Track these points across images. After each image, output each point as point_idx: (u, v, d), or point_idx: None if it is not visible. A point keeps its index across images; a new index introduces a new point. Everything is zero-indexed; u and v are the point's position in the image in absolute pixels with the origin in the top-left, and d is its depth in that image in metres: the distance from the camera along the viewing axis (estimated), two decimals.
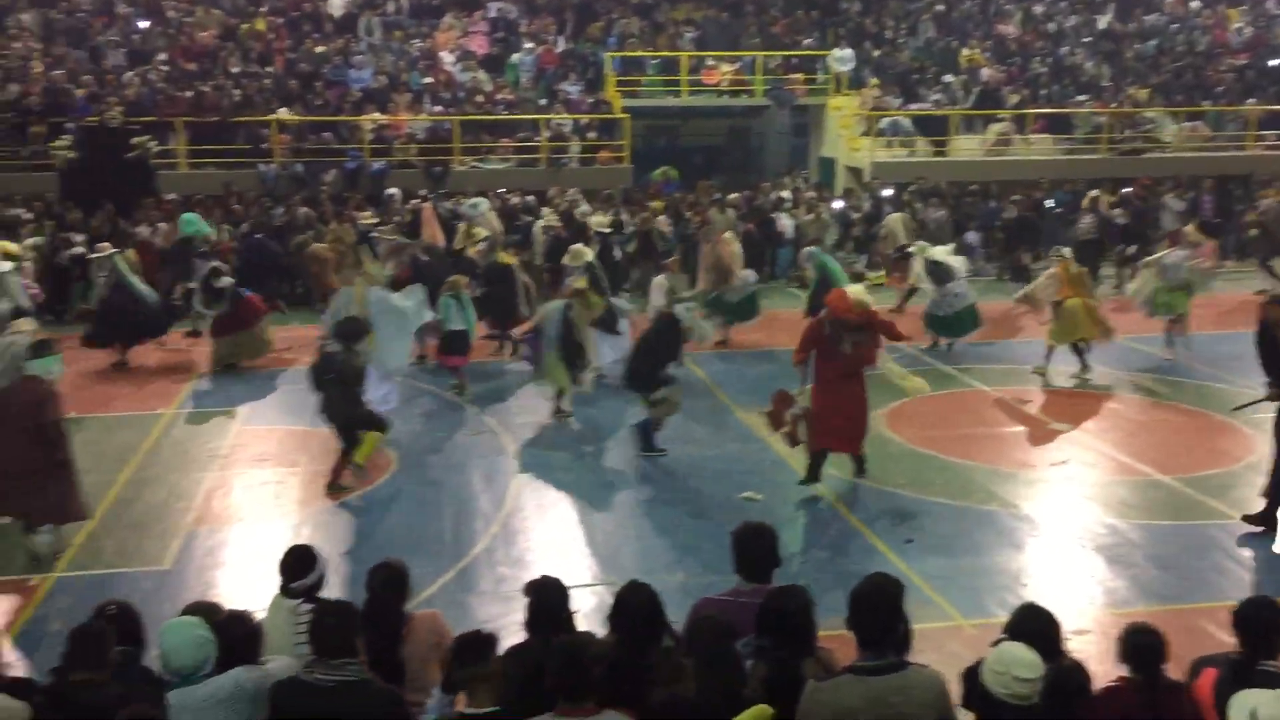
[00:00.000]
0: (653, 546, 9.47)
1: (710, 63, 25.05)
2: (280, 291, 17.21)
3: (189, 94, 21.72)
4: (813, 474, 10.55)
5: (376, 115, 22.26)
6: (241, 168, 21.23)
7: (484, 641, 4.51)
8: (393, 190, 20.01)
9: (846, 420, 10.44)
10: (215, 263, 15.18)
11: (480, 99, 23.20)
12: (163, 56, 23.16)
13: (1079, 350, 14.32)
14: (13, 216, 17.98)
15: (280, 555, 5.54)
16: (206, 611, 4.86)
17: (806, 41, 26.30)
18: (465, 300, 13.86)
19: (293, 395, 13.79)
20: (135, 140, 19.73)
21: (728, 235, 16.81)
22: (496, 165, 22.40)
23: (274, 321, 15.89)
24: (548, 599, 5.03)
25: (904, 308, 17.27)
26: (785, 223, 20.92)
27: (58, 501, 9.07)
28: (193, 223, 16.15)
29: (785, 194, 22.15)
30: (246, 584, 8.75)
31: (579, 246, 15.42)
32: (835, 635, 4.89)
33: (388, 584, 5.31)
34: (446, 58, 24.51)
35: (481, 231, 16.99)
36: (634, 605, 4.81)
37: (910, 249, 16.80)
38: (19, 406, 8.86)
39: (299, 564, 5.43)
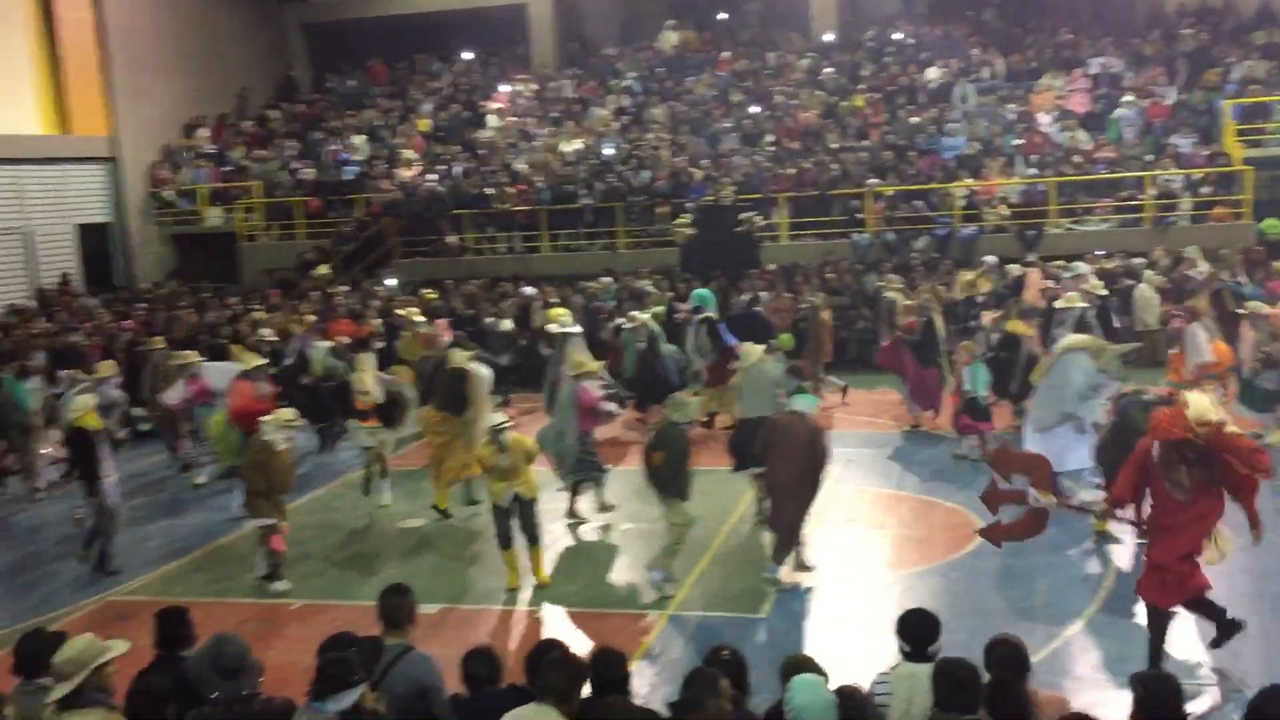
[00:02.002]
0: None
1: None
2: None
3: (792, 171, 23.23)
4: (1155, 651, 7.85)
5: (968, 181, 22.22)
6: (837, 237, 22.24)
7: None
8: (990, 256, 19.64)
9: (1178, 572, 7.72)
10: (707, 314, 16.03)
11: (1078, 158, 22.30)
12: (770, 138, 24.99)
13: None
14: (638, 289, 20.24)
15: (898, 617, 5.54)
16: (812, 667, 5.00)
17: None
18: (978, 365, 13.52)
19: (880, 458, 14.07)
20: (743, 215, 21.44)
21: None
22: (1095, 226, 21.34)
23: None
24: (1160, 694, 4.64)
25: None
26: None
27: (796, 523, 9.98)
28: (702, 296, 17.03)
29: None
30: (836, 639, 9.03)
31: (1071, 294, 14.71)
32: None
33: (1004, 662, 5.18)
34: (1043, 119, 23.88)
35: (985, 284, 17.25)
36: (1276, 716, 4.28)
37: None
38: (799, 437, 9.81)
39: (930, 629, 5.42)
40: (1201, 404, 7.50)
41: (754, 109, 26.27)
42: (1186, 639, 8.57)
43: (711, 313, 16.24)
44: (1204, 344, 13.60)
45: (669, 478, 9.98)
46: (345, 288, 21.89)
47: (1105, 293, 15.90)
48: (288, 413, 11.09)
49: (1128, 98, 23.38)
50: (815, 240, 22.52)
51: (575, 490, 12.54)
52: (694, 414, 10.60)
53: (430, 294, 20.63)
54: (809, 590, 10.10)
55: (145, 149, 26.76)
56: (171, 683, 5.19)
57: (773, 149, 24.46)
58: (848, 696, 4.83)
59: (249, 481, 10.78)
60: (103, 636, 5.49)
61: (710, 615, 9.68)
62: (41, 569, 11.99)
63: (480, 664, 5.47)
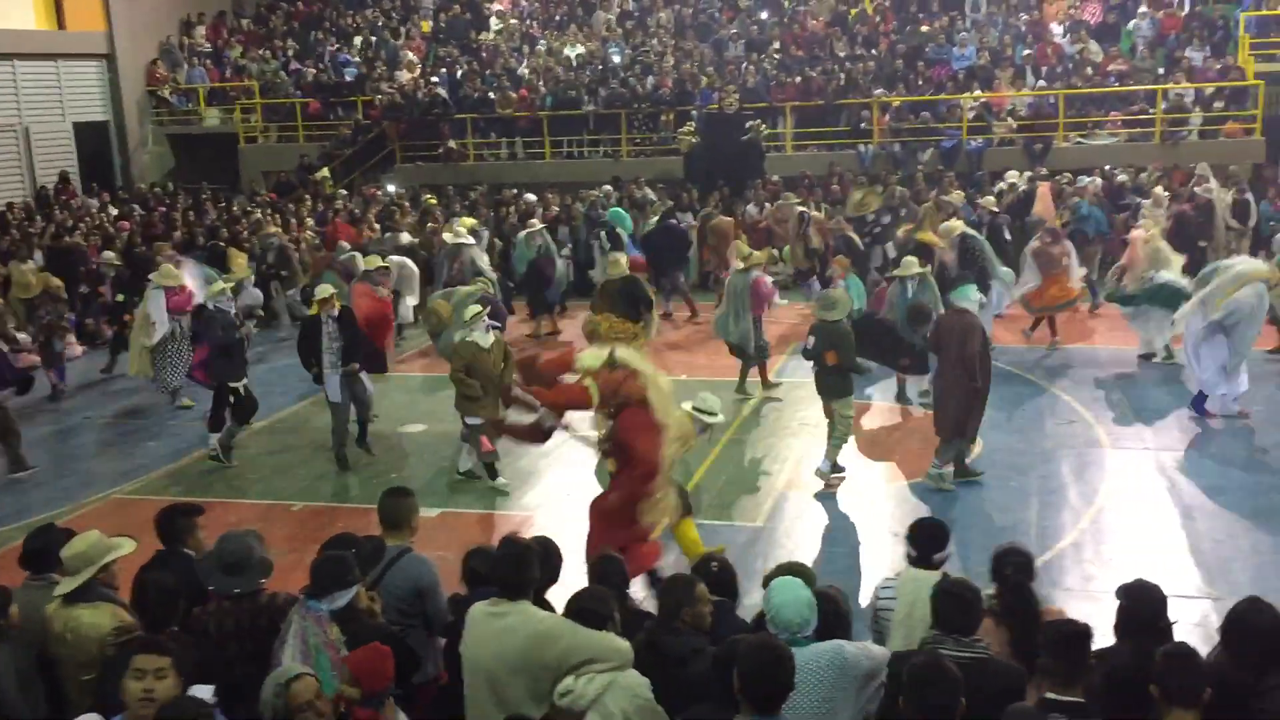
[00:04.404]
0: (1271, 563, 8.46)
1: None
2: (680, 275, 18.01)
3: (798, 79, 22.90)
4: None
5: (978, 92, 21.92)
6: (843, 149, 22.02)
7: (1077, 635, 4.35)
8: (1012, 171, 19.43)
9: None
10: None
11: (1089, 70, 21.98)
12: (776, 45, 24.58)
13: None
14: (640, 197, 20.09)
15: (910, 524, 5.69)
16: (801, 573, 5.07)
17: None
18: (851, 278, 13.78)
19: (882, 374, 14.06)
20: (749, 124, 21.19)
21: None
22: (1104, 140, 21.13)
23: None
24: (1143, 605, 4.73)
25: None
26: None
27: (959, 421, 9.92)
28: (617, 214, 17.62)
29: None
30: (828, 547, 9.15)
31: (952, 221, 14.55)
32: None
33: (1020, 570, 5.27)
34: (1055, 29, 23.49)
35: (874, 201, 18.05)
36: (1255, 626, 4.36)
37: None
38: (951, 334, 9.84)
39: (936, 538, 5.49)
40: (592, 355, 7.81)
41: (762, 15, 25.81)
42: (1178, 552, 8.71)
43: (618, 228, 17.14)
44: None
45: (843, 375, 10.26)
46: (344, 192, 21.74)
47: (996, 210, 16.67)
48: (474, 307, 10.71)
49: (1142, 9, 22.98)
50: (821, 151, 22.30)
51: (757, 368, 13.37)
52: (845, 310, 10.55)
53: (431, 199, 20.48)
54: (830, 498, 10.17)
55: (143, 46, 26.34)
56: (176, 579, 5.26)
57: (779, 57, 24.08)
58: (826, 597, 4.90)
59: (460, 385, 10.35)
60: (105, 533, 5.58)
61: (708, 523, 9.76)
62: (51, 467, 12.05)
63: (480, 561, 5.54)
